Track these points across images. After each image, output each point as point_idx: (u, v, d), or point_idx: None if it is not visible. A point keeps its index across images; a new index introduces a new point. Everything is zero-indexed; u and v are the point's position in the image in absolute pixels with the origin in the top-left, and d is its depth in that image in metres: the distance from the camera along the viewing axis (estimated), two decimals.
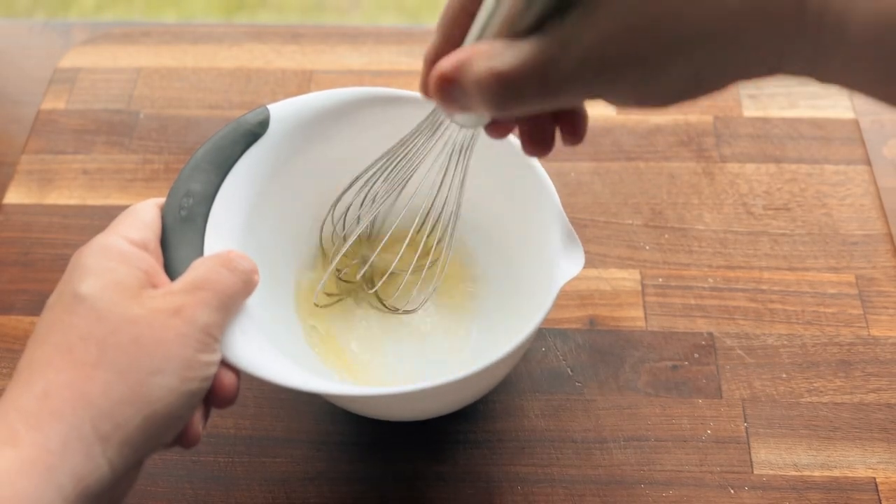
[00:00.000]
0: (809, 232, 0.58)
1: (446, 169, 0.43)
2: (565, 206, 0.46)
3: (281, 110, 0.46)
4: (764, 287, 0.55)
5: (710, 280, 0.56)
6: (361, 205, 0.48)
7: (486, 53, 0.28)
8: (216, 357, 0.36)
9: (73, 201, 0.61)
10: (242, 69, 0.68)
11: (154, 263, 0.37)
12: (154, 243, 0.38)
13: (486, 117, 0.35)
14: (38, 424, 0.31)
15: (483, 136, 0.37)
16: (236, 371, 0.37)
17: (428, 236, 0.49)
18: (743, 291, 0.55)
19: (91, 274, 0.35)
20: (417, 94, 0.46)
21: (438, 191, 0.45)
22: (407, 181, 0.45)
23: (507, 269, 0.50)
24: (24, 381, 0.33)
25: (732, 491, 0.47)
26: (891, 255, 0.57)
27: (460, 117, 0.36)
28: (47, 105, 0.66)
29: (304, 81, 0.67)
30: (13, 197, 0.61)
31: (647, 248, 0.57)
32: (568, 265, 0.41)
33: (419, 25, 0.77)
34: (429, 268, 0.50)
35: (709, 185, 0.60)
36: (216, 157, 0.43)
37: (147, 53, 0.69)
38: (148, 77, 0.68)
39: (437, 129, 0.41)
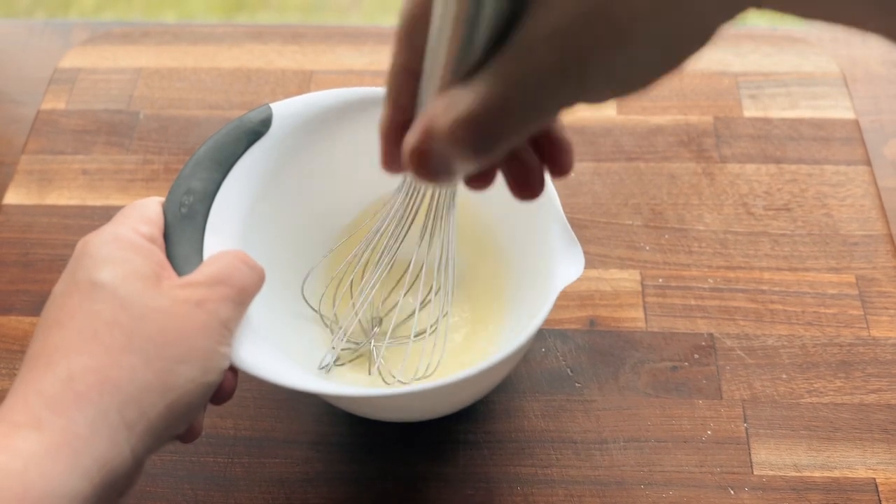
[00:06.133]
0: (810, 232, 0.58)
1: (432, 232, 0.42)
2: (565, 206, 0.46)
3: (284, 109, 0.45)
4: (764, 288, 0.55)
5: (711, 281, 0.56)
6: (360, 280, 0.48)
7: (444, 107, 0.25)
8: (231, 350, 0.37)
9: (73, 202, 0.61)
10: (243, 69, 0.68)
11: (163, 258, 0.38)
12: (160, 239, 0.39)
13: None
14: (63, 408, 0.31)
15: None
16: (234, 368, 0.38)
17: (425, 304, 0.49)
18: (743, 292, 0.55)
19: (108, 262, 0.35)
20: None
21: (429, 250, 0.43)
22: (397, 249, 0.44)
23: (507, 271, 0.50)
24: (43, 365, 0.32)
25: (732, 492, 0.47)
26: (891, 256, 0.56)
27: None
28: (47, 105, 0.66)
29: (305, 81, 0.67)
30: (13, 197, 0.61)
31: (648, 248, 0.57)
32: (568, 269, 0.41)
33: None
34: (430, 334, 0.49)
35: (709, 186, 0.60)
36: (218, 155, 0.43)
37: (147, 53, 0.69)
38: (148, 77, 0.68)
39: (413, 192, 0.39)
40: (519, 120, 0.25)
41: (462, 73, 0.25)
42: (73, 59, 0.69)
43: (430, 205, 0.41)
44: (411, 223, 0.42)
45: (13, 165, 0.63)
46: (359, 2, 1.70)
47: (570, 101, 0.25)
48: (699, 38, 0.24)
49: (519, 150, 0.30)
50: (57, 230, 0.59)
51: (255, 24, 0.74)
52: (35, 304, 0.56)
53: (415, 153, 0.26)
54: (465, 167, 0.26)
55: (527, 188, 0.31)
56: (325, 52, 0.69)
